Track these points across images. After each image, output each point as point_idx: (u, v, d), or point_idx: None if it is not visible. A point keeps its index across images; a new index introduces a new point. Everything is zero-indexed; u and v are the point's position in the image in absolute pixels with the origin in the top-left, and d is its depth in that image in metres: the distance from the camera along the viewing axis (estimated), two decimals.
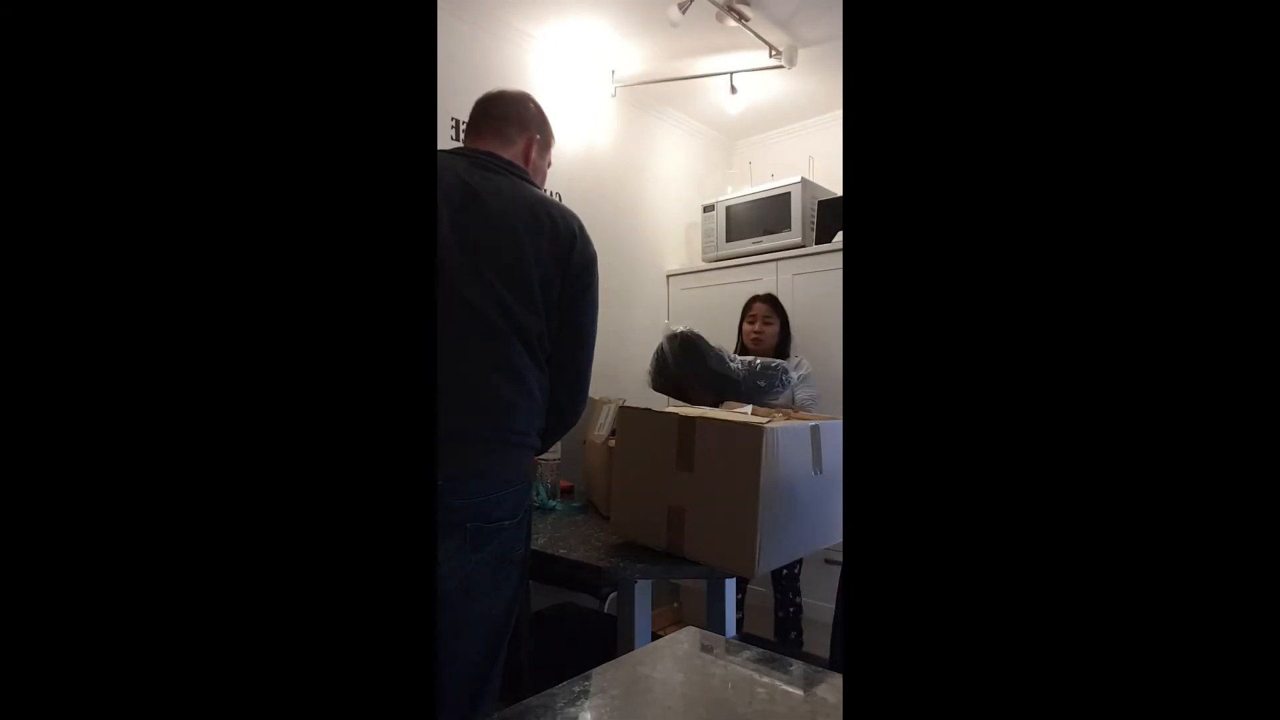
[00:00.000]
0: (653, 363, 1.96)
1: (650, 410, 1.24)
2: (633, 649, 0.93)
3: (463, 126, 2.15)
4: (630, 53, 2.44)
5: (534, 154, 1.17)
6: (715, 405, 1.66)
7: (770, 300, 2.23)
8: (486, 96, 1.18)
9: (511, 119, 1.16)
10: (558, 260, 1.05)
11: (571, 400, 1.14)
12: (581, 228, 1.11)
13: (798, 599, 2.13)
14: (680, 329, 1.88)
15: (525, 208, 1.05)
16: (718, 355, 1.83)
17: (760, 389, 1.84)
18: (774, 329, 2.16)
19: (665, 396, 2.04)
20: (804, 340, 2.32)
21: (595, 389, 1.32)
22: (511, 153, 1.14)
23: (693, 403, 1.99)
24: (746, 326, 2.18)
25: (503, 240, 1.01)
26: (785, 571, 2.11)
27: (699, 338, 1.85)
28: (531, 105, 1.20)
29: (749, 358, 1.90)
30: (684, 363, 1.86)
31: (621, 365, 2.69)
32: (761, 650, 0.73)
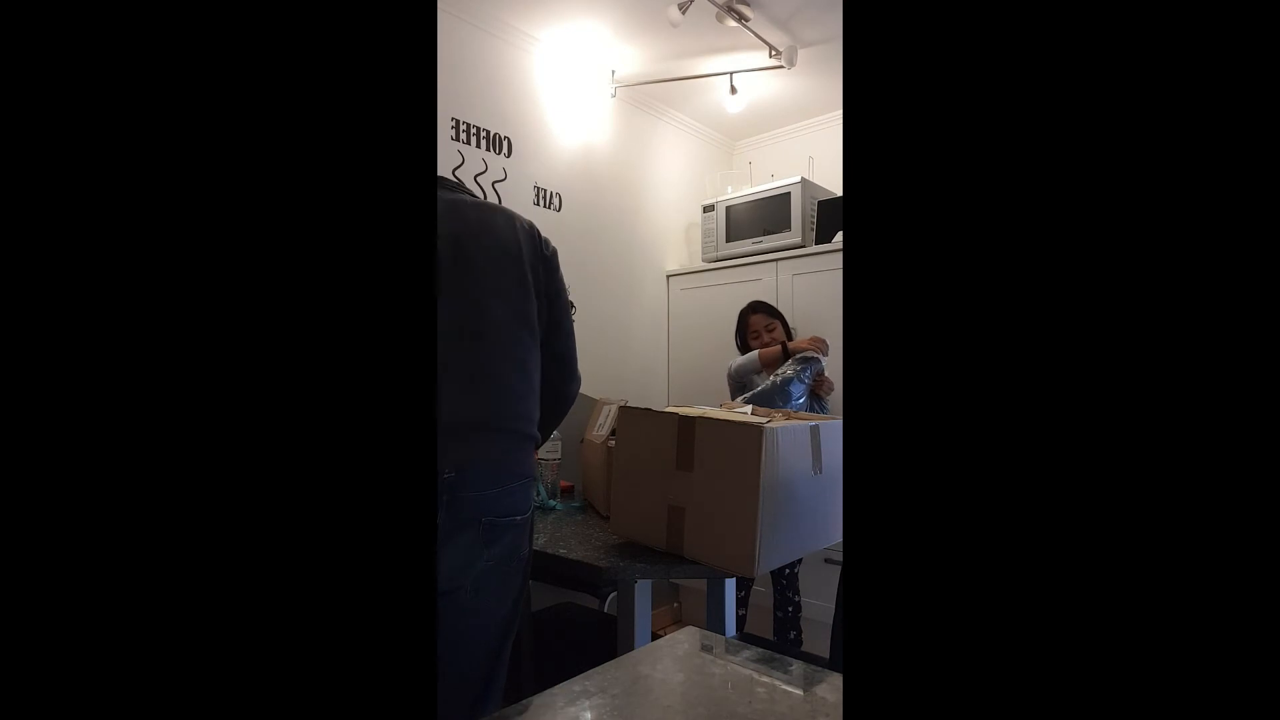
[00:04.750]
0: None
1: (650, 410, 1.24)
2: (633, 649, 0.93)
3: (463, 127, 2.16)
4: (630, 53, 2.44)
5: None
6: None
7: (763, 308, 2.24)
8: None
9: None
10: (536, 252, 1.14)
11: (566, 383, 1.21)
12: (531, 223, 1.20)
13: (797, 598, 2.14)
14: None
15: (489, 210, 1.12)
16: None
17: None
18: (778, 332, 2.17)
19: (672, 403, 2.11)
20: None
21: (595, 389, 1.32)
22: None
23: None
24: (754, 343, 2.19)
25: (493, 238, 1.07)
26: (788, 570, 2.12)
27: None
28: None
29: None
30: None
31: (622, 365, 2.69)
32: (761, 650, 0.73)
